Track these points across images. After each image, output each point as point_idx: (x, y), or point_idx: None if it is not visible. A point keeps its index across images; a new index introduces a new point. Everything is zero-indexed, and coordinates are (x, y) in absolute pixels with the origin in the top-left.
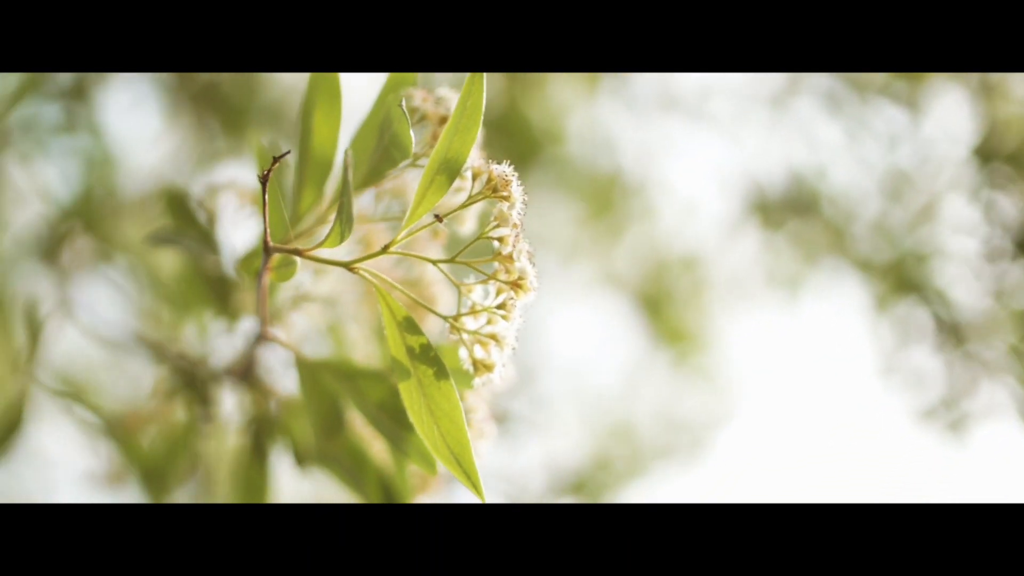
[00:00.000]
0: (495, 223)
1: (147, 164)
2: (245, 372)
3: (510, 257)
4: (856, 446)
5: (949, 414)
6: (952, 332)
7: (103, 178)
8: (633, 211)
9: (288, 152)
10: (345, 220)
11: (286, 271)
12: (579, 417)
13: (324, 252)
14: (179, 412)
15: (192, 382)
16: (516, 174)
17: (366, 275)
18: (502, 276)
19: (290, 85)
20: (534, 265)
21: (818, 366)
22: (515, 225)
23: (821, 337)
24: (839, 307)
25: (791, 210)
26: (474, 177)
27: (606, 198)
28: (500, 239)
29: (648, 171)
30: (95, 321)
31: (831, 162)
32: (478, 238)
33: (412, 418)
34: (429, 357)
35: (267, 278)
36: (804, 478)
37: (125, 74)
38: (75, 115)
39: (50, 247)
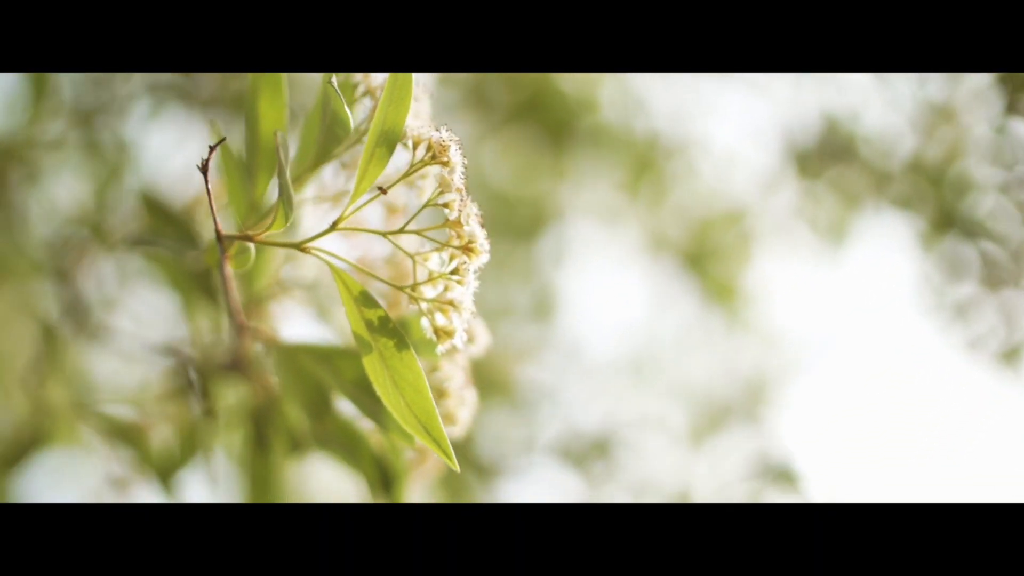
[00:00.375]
0: (439, 190)
1: (165, 172)
2: (237, 364)
3: (458, 222)
4: (914, 386)
5: (1001, 345)
6: (994, 264)
7: (117, 189)
8: (672, 172)
9: (224, 140)
10: (286, 201)
11: (242, 258)
12: (632, 382)
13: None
14: (184, 410)
15: (193, 379)
16: (455, 138)
17: (318, 254)
18: (454, 242)
19: (310, 85)
20: (483, 227)
21: (869, 309)
22: (459, 189)
23: (869, 280)
24: (884, 248)
25: (829, 155)
26: (415, 145)
27: (645, 161)
28: (446, 205)
29: (683, 131)
30: (105, 328)
31: (863, 103)
32: (424, 206)
33: (378, 391)
34: (388, 329)
35: (228, 267)
36: (867, 424)
37: (131, 85)
38: (91, 128)
39: (63, 259)
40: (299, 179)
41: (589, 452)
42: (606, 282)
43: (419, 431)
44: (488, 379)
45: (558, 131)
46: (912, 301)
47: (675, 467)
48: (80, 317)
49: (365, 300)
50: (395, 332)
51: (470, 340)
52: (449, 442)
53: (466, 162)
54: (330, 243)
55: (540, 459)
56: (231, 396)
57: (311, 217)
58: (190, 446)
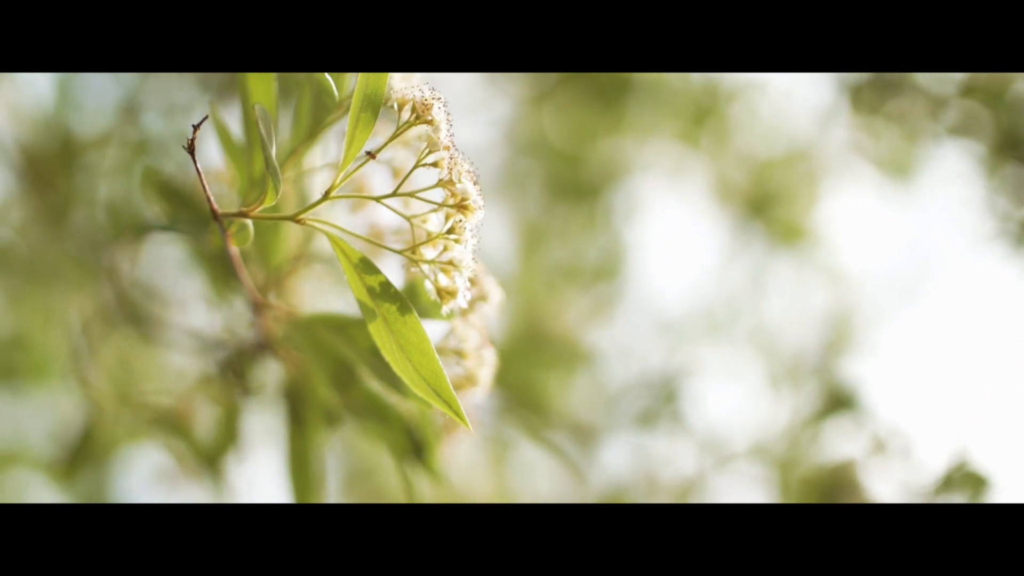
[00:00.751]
0: (427, 150)
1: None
2: (265, 343)
3: (450, 180)
4: (986, 316)
5: None
6: None
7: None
8: (732, 116)
9: (206, 118)
10: (272, 174)
11: (242, 235)
12: (706, 332)
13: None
14: (223, 394)
15: (227, 362)
16: (439, 96)
17: (313, 225)
18: (449, 201)
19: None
20: (476, 183)
21: (937, 240)
22: (446, 147)
23: (935, 211)
24: (947, 178)
25: (884, 85)
26: (400, 108)
27: (703, 108)
28: (436, 164)
29: (738, 74)
30: (145, 319)
31: None
32: (414, 168)
33: (386, 356)
34: (390, 294)
35: (232, 245)
36: (941, 357)
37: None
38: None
39: (102, 253)
40: (296, 151)
41: (663, 407)
42: (674, 234)
43: (429, 394)
44: (559, 342)
45: (614, 85)
46: (978, 228)
47: (750, 415)
48: (120, 309)
49: (365, 267)
50: (397, 296)
51: (482, 298)
52: (460, 403)
53: (451, 119)
54: (339, 214)
55: (617, 420)
56: (265, 376)
57: (319, 189)
58: (231, 430)
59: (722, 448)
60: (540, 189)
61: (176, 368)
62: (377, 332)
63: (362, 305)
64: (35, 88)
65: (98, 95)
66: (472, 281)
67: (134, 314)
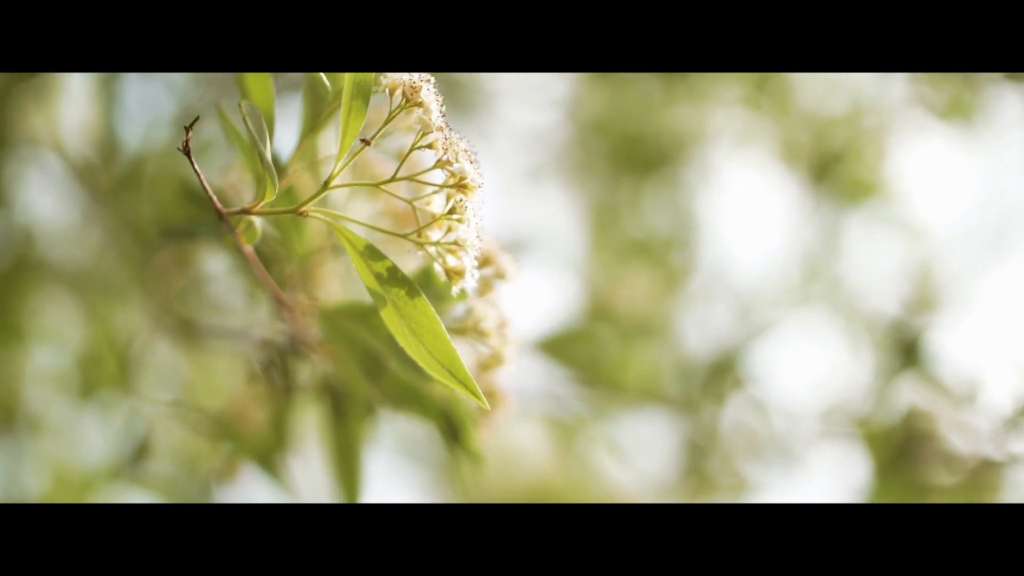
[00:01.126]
0: (421, 133)
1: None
2: (299, 338)
3: (447, 161)
4: None
5: None
6: None
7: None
8: (791, 78)
9: (197, 119)
10: (267, 169)
11: (250, 233)
12: (783, 294)
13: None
14: (267, 394)
15: (268, 361)
16: (428, 79)
17: (316, 216)
18: (449, 181)
19: None
20: (474, 162)
21: (1005, 185)
22: (439, 128)
23: (1001, 156)
24: (1010, 123)
25: None
26: (391, 93)
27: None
28: (431, 146)
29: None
30: (190, 325)
31: None
32: (409, 152)
33: (400, 341)
34: (397, 278)
35: (242, 243)
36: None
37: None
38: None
39: (142, 265)
40: (302, 144)
41: (742, 373)
42: (743, 199)
43: (444, 375)
44: (633, 317)
45: None
46: None
47: (830, 375)
48: (167, 317)
49: (371, 254)
50: (405, 281)
51: (499, 276)
52: (476, 383)
53: (441, 99)
54: (358, 204)
55: (696, 389)
56: (304, 372)
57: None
58: (280, 429)
59: (802, 409)
60: (606, 165)
61: (224, 371)
62: (389, 318)
63: (372, 292)
64: (86, 102)
65: (151, 106)
66: (488, 260)
67: (181, 321)
